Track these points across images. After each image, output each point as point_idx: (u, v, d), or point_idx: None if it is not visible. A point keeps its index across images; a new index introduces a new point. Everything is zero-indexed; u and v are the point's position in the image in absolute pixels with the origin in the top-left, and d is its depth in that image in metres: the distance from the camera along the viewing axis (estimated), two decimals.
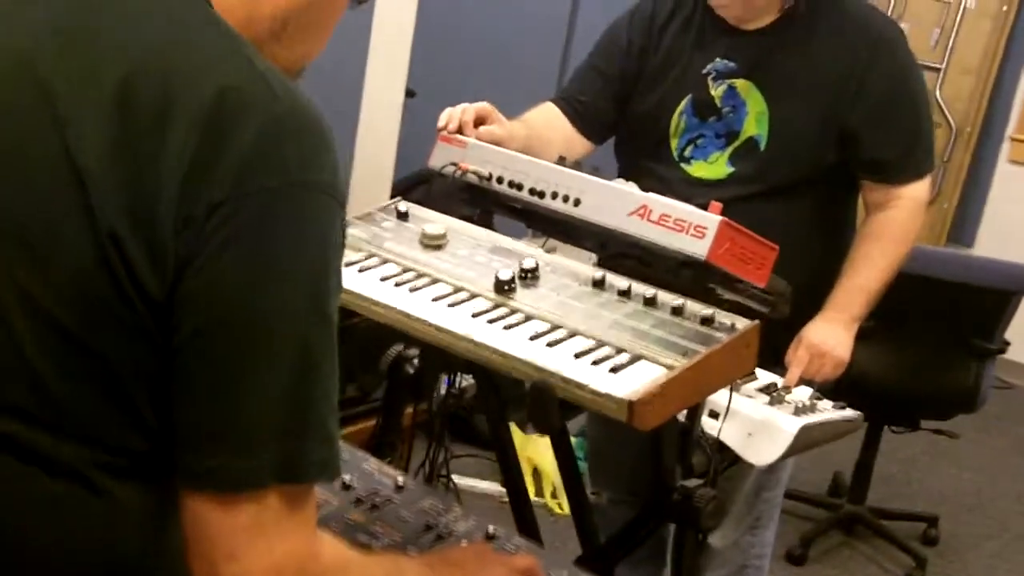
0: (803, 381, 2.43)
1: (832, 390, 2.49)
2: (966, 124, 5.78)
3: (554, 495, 3.93)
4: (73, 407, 1.13)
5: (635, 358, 1.68)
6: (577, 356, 1.68)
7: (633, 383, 1.61)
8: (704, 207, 2.43)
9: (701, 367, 1.67)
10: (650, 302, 1.81)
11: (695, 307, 1.80)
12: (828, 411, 2.21)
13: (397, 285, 1.85)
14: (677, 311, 1.79)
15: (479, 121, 2.26)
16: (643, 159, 2.64)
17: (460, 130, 2.21)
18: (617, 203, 2.00)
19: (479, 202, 2.22)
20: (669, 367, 1.65)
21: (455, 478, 3.45)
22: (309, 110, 1.15)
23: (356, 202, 3.71)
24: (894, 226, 2.57)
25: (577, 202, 2.04)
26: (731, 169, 2.54)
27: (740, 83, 2.54)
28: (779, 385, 2.29)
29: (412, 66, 3.90)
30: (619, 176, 2.68)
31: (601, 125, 2.70)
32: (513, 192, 2.12)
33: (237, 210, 1.08)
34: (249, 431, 1.11)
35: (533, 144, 2.44)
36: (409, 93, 3.97)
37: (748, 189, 2.51)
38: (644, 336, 1.73)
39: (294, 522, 1.14)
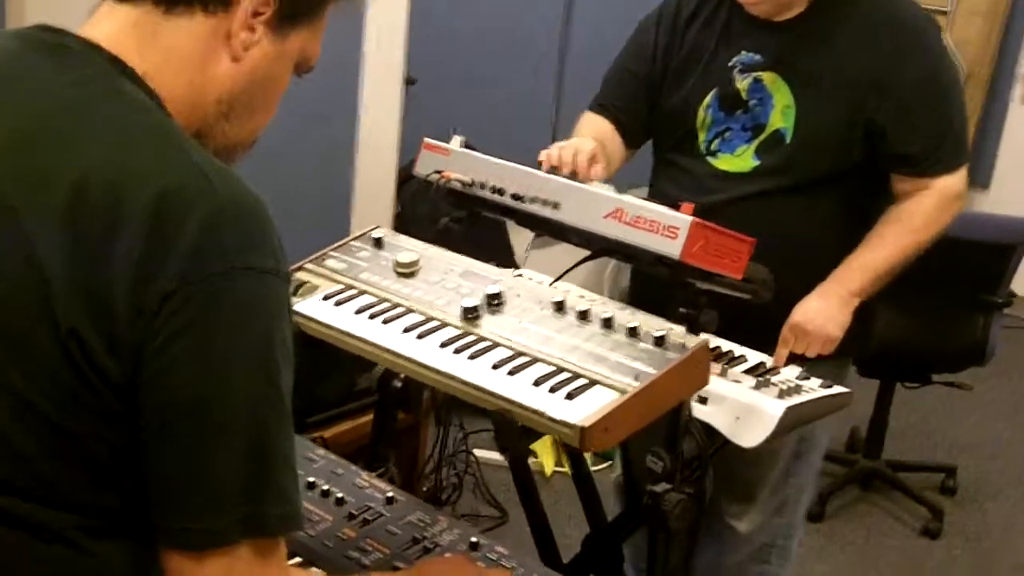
0: (796, 358, 2.46)
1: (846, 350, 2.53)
2: (976, 66, 5.77)
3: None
4: (57, 480, 1.24)
5: (590, 383, 1.77)
6: (536, 383, 1.78)
7: (587, 409, 1.71)
8: (727, 202, 2.54)
9: (653, 389, 1.76)
10: (607, 324, 1.90)
11: (649, 327, 1.89)
12: (815, 390, 2.27)
13: (371, 317, 1.97)
14: (632, 332, 1.88)
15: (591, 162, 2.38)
16: (671, 153, 2.69)
17: (574, 174, 2.31)
18: (594, 206, 2.09)
19: (464, 207, 2.32)
20: (622, 391, 1.75)
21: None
22: (247, 197, 1.24)
23: (362, 193, 3.81)
24: (916, 214, 2.53)
25: (556, 206, 2.14)
26: (757, 162, 2.56)
27: (766, 75, 2.55)
28: (767, 365, 2.36)
29: (411, 54, 3.94)
30: (652, 171, 2.78)
31: (638, 130, 2.74)
32: (495, 197, 2.22)
33: (186, 299, 1.18)
34: (213, 499, 1.22)
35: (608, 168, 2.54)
36: (409, 81, 4.02)
37: (774, 182, 2.54)
38: (600, 360, 1.82)
39: (265, 570, 1.27)
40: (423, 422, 3.38)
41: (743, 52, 2.57)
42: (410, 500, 1.92)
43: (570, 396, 1.74)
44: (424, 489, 3.42)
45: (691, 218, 2.00)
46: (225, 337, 1.20)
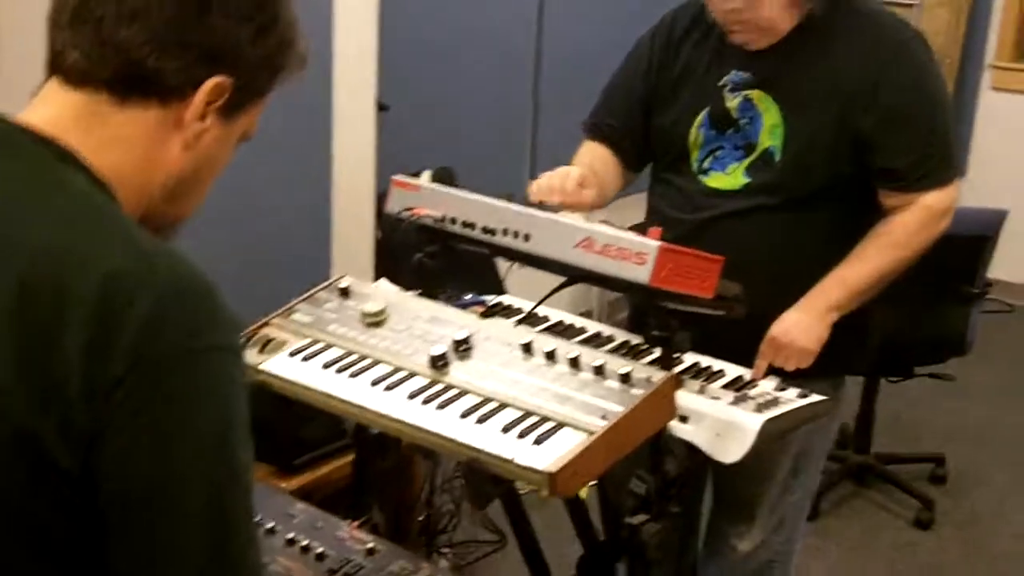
0: (773, 370, 2.48)
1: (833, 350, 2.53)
2: (946, 56, 5.81)
3: None
4: (20, 568, 1.25)
5: (558, 425, 1.81)
6: (505, 430, 1.81)
7: (554, 453, 1.74)
8: (718, 219, 2.57)
9: (619, 428, 1.79)
10: (574, 363, 1.93)
11: (615, 365, 1.92)
12: (792, 401, 2.29)
13: (339, 371, 1.99)
14: (599, 371, 1.91)
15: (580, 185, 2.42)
16: (666, 172, 2.71)
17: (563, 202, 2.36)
18: (563, 236, 2.13)
19: (437, 242, 2.34)
20: (589, 432, 1.78)
21: None
22: (194, 276, 1.25)
23: (340, 220, 3.84)
24: (900, 228, 2.52)
25: (527, 237, 2.18)
26: (747, 180, 2.57)
27: (755, 94, 2.56)
28: (746, 378, 2.39)
29: (383, 80, 3.97)
30: (648, 188, 2.80)
31: (638, 150, 2.76)
32: (467, 232, 2.25)
33: (136, 384, 1.18)
34: None
35: (601, 190, 2.59)
36: (382, 107, 4.05)
37: (764, 200, 2.55)
38: (567, 400, 1.86)
39: None
40: (412, 457, 3.41)
41: (733, 71, 2.58)
42: (392, 550, 1.93)
43: (538, 441, 1.77)
44: (420, 519, 3.44)
45: (658, 243, 2.04)
46: (179, 421, 1.21)
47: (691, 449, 2.12)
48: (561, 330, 2.47)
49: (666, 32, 2.71)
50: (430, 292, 2.35)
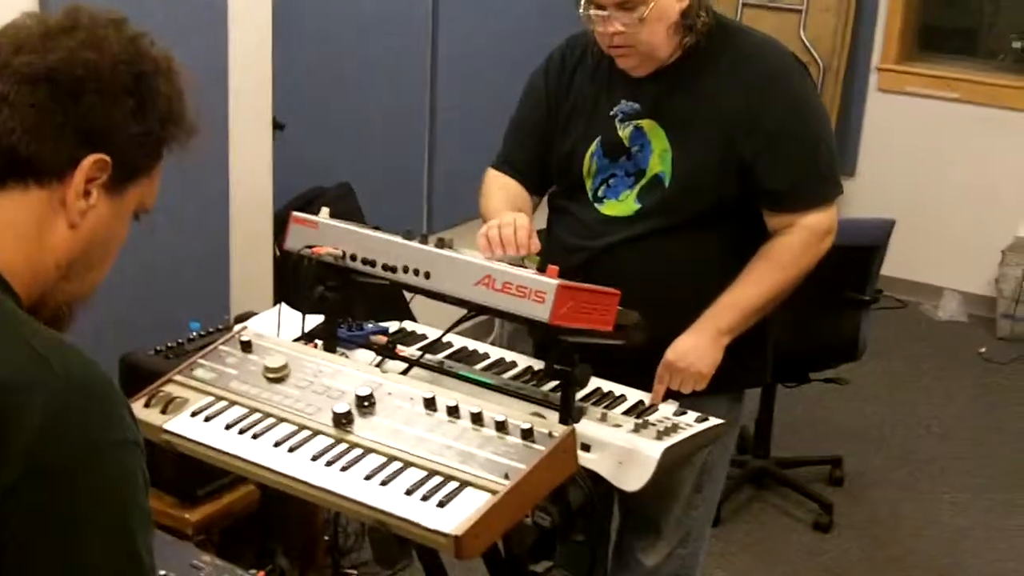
0: (671, 394, 2.53)
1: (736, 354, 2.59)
2: (832, 60, 5.93)
3: None
4: None
5: (462, 485, 1.82)
6: (409, 492, 1.82)
7: (459, 516, 1.76)
8: (614, 245, 2.62)
9: (522, 486, 1.82)
10: (477, 419, 1.95)
11: (517, 420, 1.94)
12: (691, 426, 2.34)
13: (241, 432, 1.98)
14: (501, 426, 1.93)
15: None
16: (564, 200, 2.76)
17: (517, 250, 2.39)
18: (464, 274, 2.15)
19: (337, 279, 2.34)
20: (493, 491, 1.80)
21: None
22: (91, 375, 1.24)
23: (237, 239, 3.81)
24: (784, 251, 2.59)
25: (427, 275, 2.20)
26: (638, 206, 2.62)
27: (645, 123, 2.61)
28: (646, 403, 2.43)
29: (279, 99, 3.94)
30: (547, 218, 2.84)
31: (542, 179, 2.81)
32: (367, 268, 2.26)
33: (30, 488, 1.18)
34: None
35: None
36: (278, 126, 4.03)
37: (655, 224, 2.60)
38: (470, 458, 1.88)
39: None
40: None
41: (623, 101, 2.64)
42: None
43: (442, 503, 1.79)
44: (325, 538, 3.44)
45: (556, 282, 2.07)
46: (75, 521, 1.20)
47: (595, 477, 2.15)
48: (464, 356, 2.48)
49: (557, 66, 2.75)
50: (332, 322, 2.36)
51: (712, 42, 2.58)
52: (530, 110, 2.80)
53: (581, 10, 2.55)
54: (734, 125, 2.56)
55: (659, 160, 2.60)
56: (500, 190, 2.79)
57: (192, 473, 3.08)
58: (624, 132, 2.64)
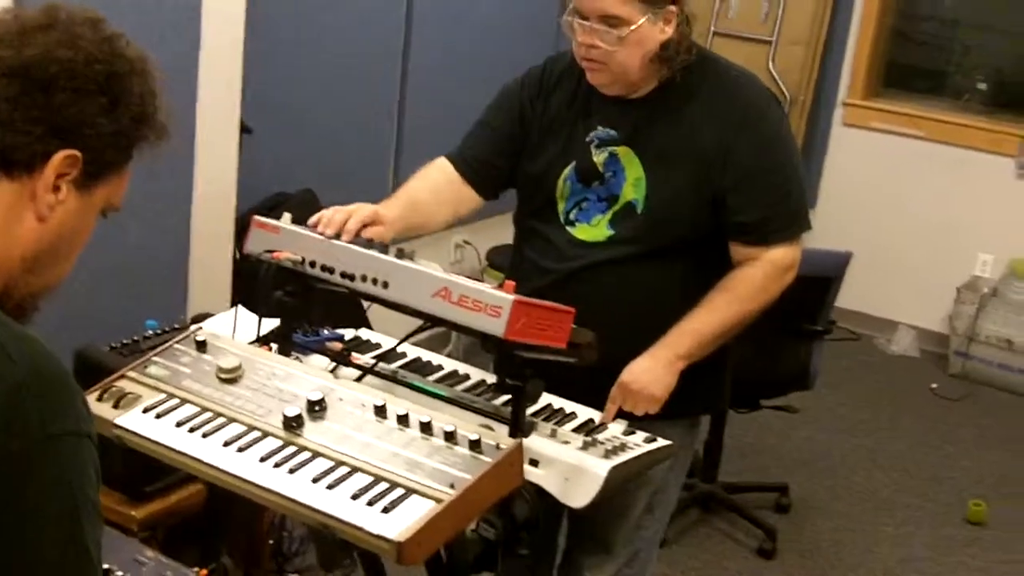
0: (630, 420, 2.53)
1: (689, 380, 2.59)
2: (799, 93, 5.99)
3: None
4: None
5: (408, 493, 1.84)
6: (355, 496, 1.83)
7: (403, 522, 1.77)
8: (584, 269, 2.64)
9: (467, 496, 1.84)
10: (426, 428, 1.97)
11: (466, 431, 1.96)
12: (639, 446, 2.36)
13: (191, 430, 2.00)
14: (450, 436, 1.95)
15: (365, 226, 2.41)
16: (533, 220, 2.77)
17: (338, 235, 2.34)
18: (422, 285, 2.17)
19: (296, 284, 2.35)
20: (437, 500, 1.82)
21: None
22: (49, 366, 1.26)
23: (198, 240, 3.81)
24: (746, 282, 2.61)
25: (385, 284, 2.21)
26: (611, 232, 2.64)
27: (621, 150, 2.63)
28: (596, 421, 2.45)
29: (248, 103, 3.95)
30: (514, 236, 2.84)
31: (494, 181, 2.81)
32: (325, 275, 2.27)
33: None
34: None
35: (414, 219, 2.62)
36: (246, 129, 4.03)
37: (626, 250, 2.62)
38: (418, 467, 1.89)
39: None
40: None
41: (599, 127, 2.65)
42: None
43: (387, 509, 1.80)
44: (270, 542, 3.44)
45: (512, 297, 2.09)
46: (29, 508, 1.22)
47: (541, 492, 2.16)
48: (418, 367, 2.50)
49: (536, 83, 2.77)
50: (288, 325, 2.37)
51: (691, 73, 2.60)
52: (499, 116, 2.80)
53: (564, 17, 2.57)
54: (708, 159, 2.58)
55: (632, 188, 2.62)
56: (425, 176, 2.79)
57: (141, 470, 3.08)
58: (599, 158, 2.66)
